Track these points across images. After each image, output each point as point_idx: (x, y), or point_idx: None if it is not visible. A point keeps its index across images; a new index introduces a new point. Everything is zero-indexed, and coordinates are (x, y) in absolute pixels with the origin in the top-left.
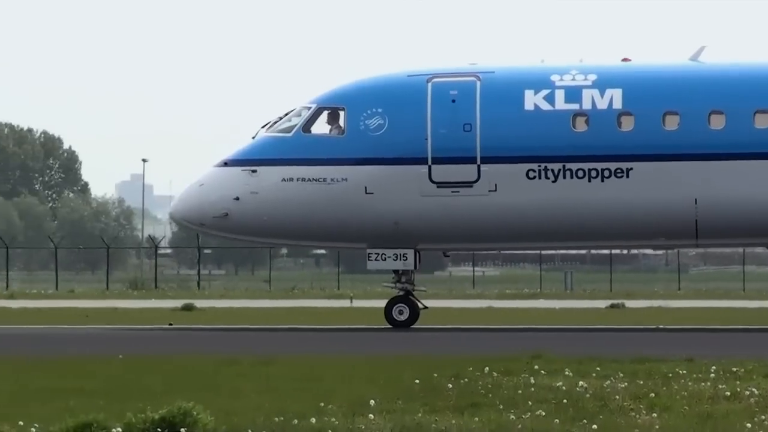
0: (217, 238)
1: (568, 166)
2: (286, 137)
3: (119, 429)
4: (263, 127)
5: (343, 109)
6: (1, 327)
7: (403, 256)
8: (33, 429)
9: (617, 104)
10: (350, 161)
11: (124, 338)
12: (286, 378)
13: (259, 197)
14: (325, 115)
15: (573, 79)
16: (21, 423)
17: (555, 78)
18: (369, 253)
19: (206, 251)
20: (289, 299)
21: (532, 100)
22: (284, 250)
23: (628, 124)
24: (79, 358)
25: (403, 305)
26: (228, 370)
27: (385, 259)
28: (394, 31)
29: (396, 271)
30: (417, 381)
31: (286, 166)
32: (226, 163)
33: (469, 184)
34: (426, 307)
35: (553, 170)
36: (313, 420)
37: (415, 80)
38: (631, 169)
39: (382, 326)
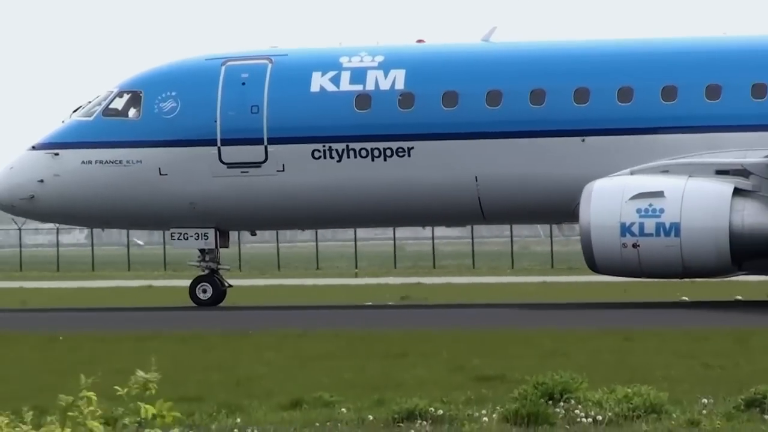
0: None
1: (352, 145)
2: (87, 121)
3: None
4: (74, 111)
5: (141, 93)
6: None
7: (204, 236)
8: None
9: (399, 85)
10: (145, 143)
11: None
12: None
13: (61, 180)
14: (125, 98)
15: (361, 61)
16: None
17: (344, 60)
18: (172, 233)
19: None
20: None
21: (318, 81)
22: None
23: (409, 104)
24: None
25: (206, 284)
26: None
27: (187, 239)
28: (227, 15)
29: (201, 250)
30: None
31: (85, 149)
32: (34, 147)
33: (257, 165)
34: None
35: (337, 150)
36: None
37: (210, 64)
38: (413, 148)
39: None
